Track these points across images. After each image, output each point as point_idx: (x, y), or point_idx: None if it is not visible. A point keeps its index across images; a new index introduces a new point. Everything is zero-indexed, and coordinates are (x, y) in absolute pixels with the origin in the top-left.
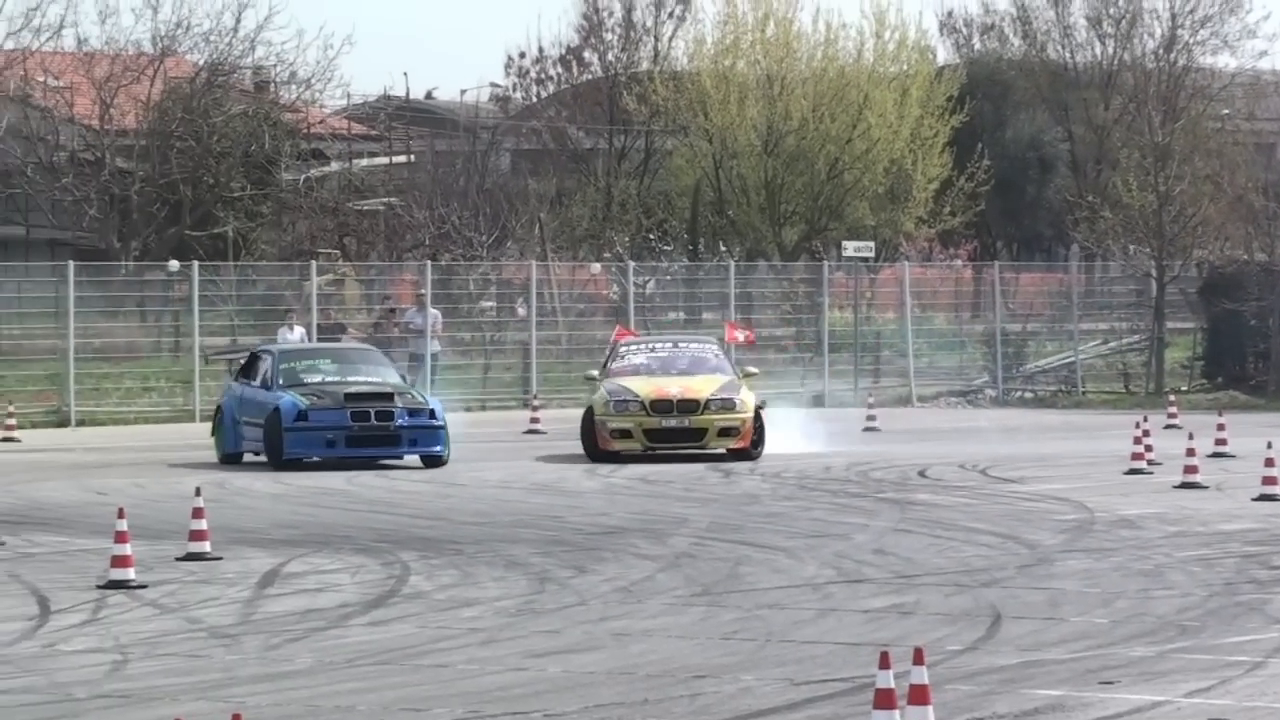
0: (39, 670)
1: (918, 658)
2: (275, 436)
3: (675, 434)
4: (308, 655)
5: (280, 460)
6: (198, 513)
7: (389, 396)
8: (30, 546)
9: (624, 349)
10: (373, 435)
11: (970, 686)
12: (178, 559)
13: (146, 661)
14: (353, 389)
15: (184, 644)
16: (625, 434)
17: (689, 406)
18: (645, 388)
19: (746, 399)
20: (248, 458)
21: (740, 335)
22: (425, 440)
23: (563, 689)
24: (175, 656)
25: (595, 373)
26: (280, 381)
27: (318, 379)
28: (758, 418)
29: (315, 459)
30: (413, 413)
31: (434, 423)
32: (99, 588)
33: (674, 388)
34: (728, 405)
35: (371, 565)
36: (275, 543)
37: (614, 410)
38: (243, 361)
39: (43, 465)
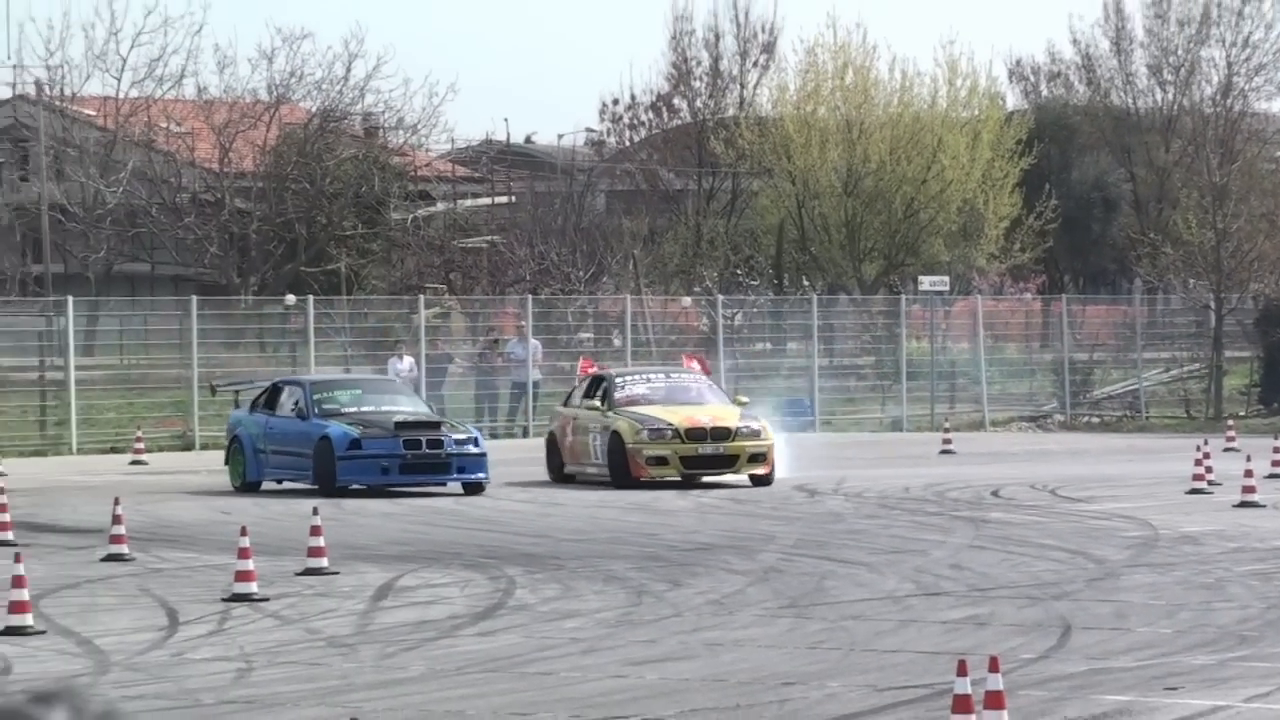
0: (169, 678)
1: (993, 665)
2: (328, 464)
3: (710, 460)
4: (420, 663)
5: (333, 488)
6: (315, 530)
7: (437, 425)
8: (159, 562)
9: (620, 380)
10: (424, 463)
11: (1042, 692)
12: (297, 574)
13: (269, 669)
14: (399, 418)
15: (304, 653)
16: (662, 461)
17: (722, 434)
18: (674, 416)
19: (766, 426)
20: (268, 485)
21: (696, 366)
22: (471, 467)
23: (659, 695)
24: (296, 664)
25: (598, 403)
26: (316, 411)
27: (354, 409)
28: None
29: (365, 486)
30: (459, 441)
31: (478, 450)
32: (224, 600)
33: (703, 416)
34: (755, 432)
35: (479, 579)
36: (388, 559)
37: (648, 438)
38: (257, 392)
39: (169, 486)
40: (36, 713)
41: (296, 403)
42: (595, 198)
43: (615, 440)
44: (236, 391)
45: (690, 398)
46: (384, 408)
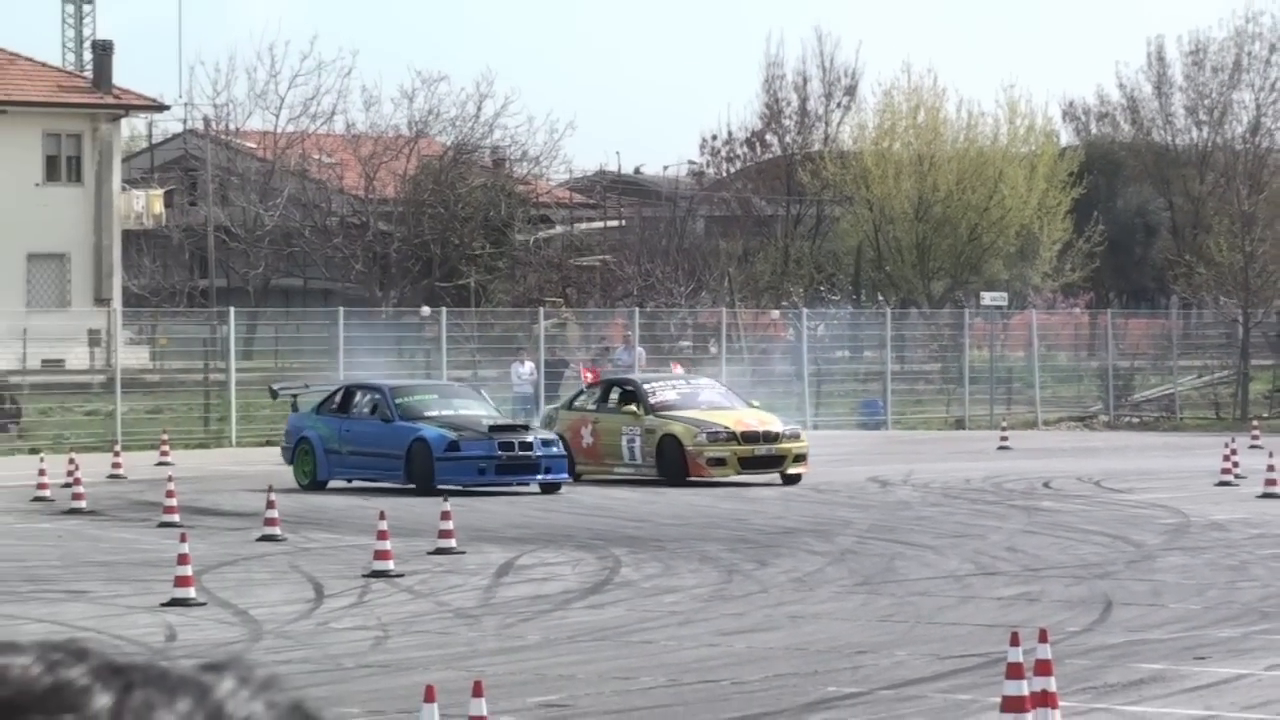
0: (314, 644)
1: (1042, 637)
2: (425, 465)
3: (764, 461)
4: (536, 633)
5: (430, 487)
6: (445, 515)
7: (525, 428)
8: (307, 542)
9: (649, 387)
10: (517, 463)
11: (1086, 661)
12: (429, 553)
13: (403, 637)
14: (489, 421)
15: (434, 623)
16: (720, 461)
17: (772, 437)
18: (725, 420)
19: (800, 429)
20: (336, 484)
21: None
22: (556, 468)
23: (747, 662)
24: (427, 633)
25: (633, 408)
26: (399, 415)
27: (435, 412)
28: None
29: (461, 486)
30: (545, 443)
31: (560, 452)
32: (364, 576)
33: (751, 420)
34: (796, 435)
35: (589, 559)
36: (509, 540)
37: (707, 441)
38: (313, 395)
39: None
40: (207, 680)
41: (375, 406)
42: (695, 222)
43: (669, 442)
44: (294, 396)
45: (719, 403)
46: (461, 411)
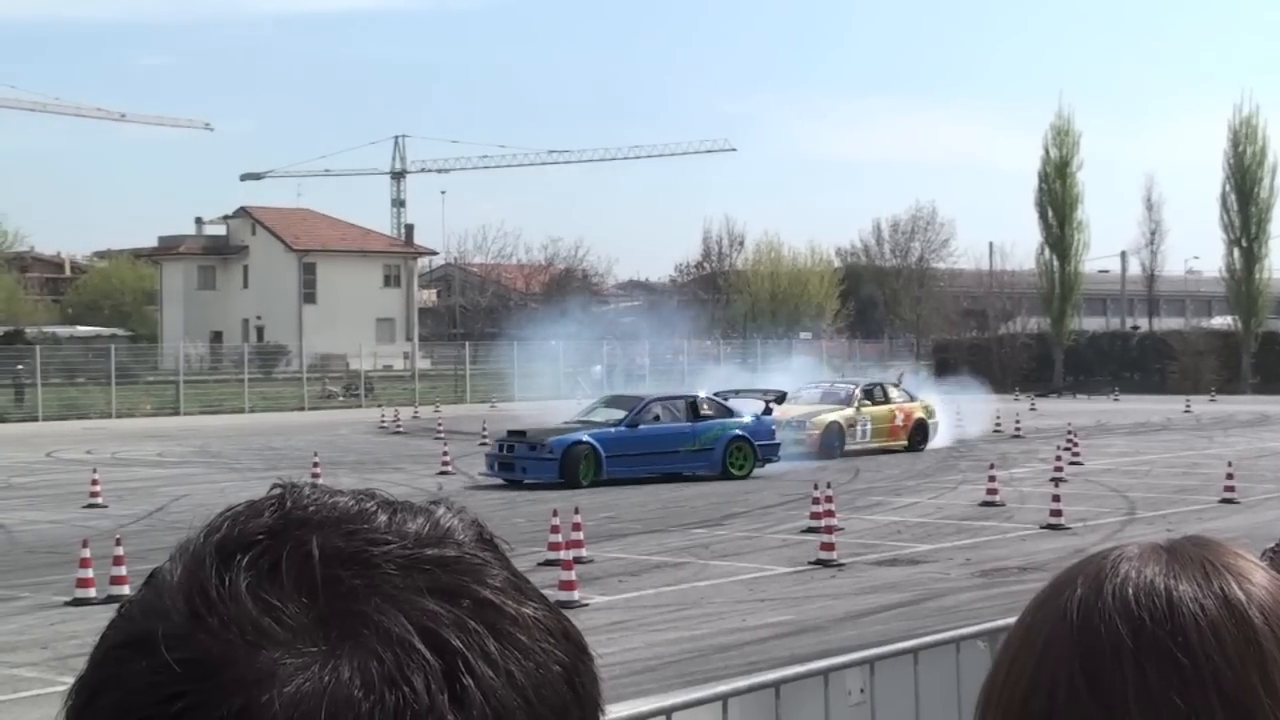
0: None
1: (827, 486)
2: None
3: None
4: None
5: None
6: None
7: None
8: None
9: (799, 390)
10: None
11: (848, 495)
12: None
13: (544, 489)
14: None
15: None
16: None
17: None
18: (794, 411)
19: (822, 420)
20: None
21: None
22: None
23: (694, 499)
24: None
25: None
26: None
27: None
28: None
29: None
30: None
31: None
32: None
33: (795, 409)
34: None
35: None
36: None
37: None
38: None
39: (507, 416)
40: (430, 507)
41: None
42: (674, 302)
43: None
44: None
45: (817, 400)
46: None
